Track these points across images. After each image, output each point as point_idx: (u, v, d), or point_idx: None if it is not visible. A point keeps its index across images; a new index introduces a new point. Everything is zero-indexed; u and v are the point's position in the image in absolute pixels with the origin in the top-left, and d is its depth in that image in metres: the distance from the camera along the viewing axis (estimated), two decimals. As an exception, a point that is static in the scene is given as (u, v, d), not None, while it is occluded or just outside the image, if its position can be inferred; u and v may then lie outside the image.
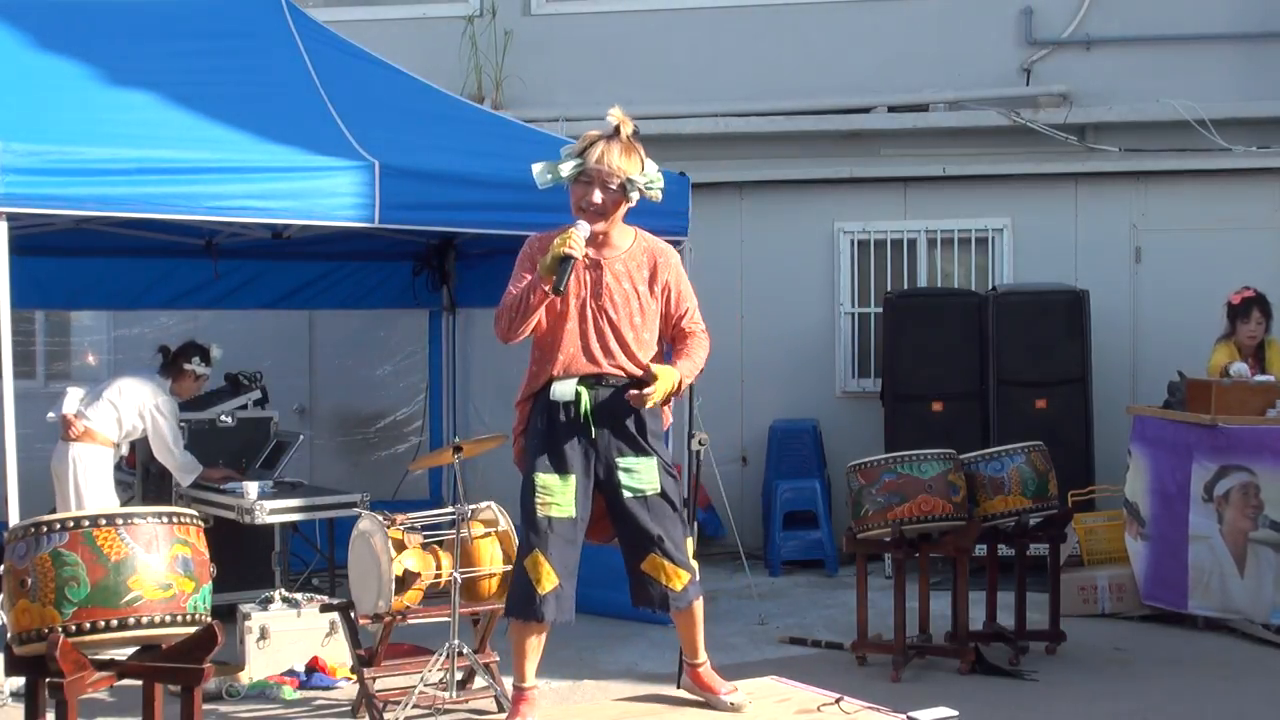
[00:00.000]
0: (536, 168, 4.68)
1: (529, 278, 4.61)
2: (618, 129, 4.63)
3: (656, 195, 4.68)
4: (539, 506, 4.62)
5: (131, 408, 7.31)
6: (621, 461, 4.69)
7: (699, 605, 4.80)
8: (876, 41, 10.30)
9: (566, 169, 4.62)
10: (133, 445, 7.82)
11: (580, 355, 4.66)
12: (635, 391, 4.65)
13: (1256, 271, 9.34)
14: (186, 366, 7.55)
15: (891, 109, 10.24)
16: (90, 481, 7.17)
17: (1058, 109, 10.00)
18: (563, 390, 4.66)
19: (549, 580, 4.59)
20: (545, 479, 4.63)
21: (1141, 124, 9.90)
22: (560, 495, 4.63)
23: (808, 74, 10.31)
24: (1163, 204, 9.87)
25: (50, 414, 7.41)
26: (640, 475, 4.71)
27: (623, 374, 4.69)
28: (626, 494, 4.69)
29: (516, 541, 5.10)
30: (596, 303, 4.67)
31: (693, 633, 4.84)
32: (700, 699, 4.80)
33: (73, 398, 7.37)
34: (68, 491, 7.14)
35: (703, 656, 4.86)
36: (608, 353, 4.68)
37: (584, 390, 4.66)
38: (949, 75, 10.19)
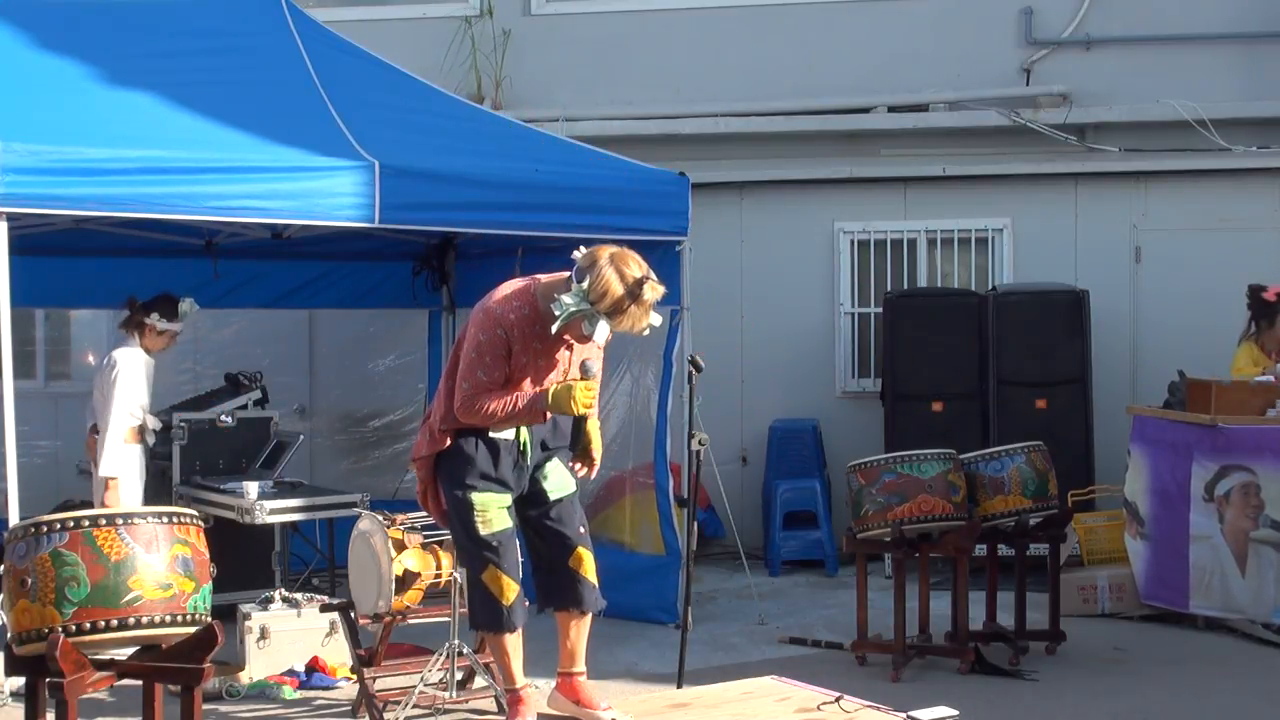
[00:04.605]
0: (568, 308, 4.43)
1: (525, 390, 4.61)
2: (644, 289, 4.42)
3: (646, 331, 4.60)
4: (480, 525, 4.69)
5: (111, 381, 7.18)
6: (540, 471, 4.82)
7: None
8: (876, 41, 10.30)
9: (601, 333, 4.46)
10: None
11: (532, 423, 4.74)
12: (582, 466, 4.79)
13: (1256, 271, 9.32)
14: (146, 322, 7.31)
15: (891, 109, 10.24)
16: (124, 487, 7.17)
17: (1058, 109, 10.00)
18: (504, 433, 4.75)
19: (511, 591, 4.69)
20: (482, 498, 4.71)
21: (1141, 124, 9.90)
22: (496, 511, 4.72)
23: (808, 74, 10.31)
24: (1163, 204, 9.86)
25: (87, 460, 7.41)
26: (559, 475, 4.84)
27: None
28: (554, 496, 4.80)
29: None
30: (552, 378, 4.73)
31: (583, 638, 4.86)
32: (572, 715, 4.76)
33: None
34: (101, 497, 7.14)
35: (584, 665, 4.86)
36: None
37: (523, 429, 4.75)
38: (949, 75, 10.19)
